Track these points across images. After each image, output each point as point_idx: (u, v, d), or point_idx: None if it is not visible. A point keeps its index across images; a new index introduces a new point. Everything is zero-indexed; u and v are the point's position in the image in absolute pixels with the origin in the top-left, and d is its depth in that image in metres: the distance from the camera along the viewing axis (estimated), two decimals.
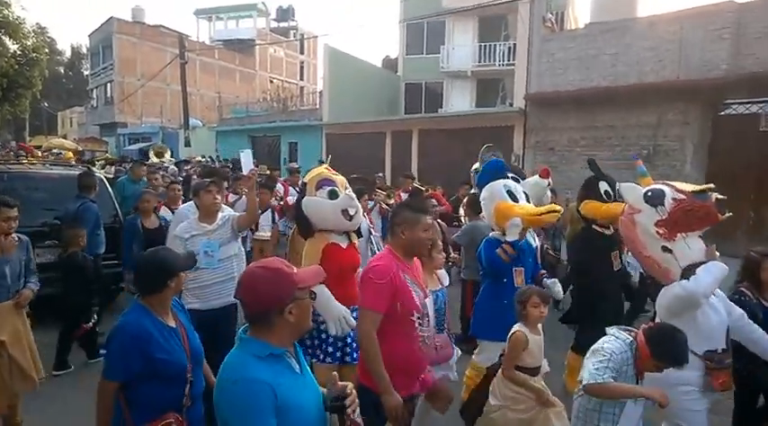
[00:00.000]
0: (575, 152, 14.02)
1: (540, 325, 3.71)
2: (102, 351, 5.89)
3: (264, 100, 31.67)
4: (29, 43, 17.90)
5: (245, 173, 4.21)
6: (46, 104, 44.39)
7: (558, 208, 4.54)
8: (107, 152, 30.84)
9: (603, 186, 5.01)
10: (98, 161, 16.15)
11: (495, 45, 21.83)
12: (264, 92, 36.45)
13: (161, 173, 9.81)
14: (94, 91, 42.23)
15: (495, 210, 4.61)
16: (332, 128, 21.71)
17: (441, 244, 4.18)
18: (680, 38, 12.14)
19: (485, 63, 22.24)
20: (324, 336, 3.91)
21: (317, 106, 24.56)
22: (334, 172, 4.28)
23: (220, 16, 47.07)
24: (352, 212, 3.99)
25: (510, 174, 5.26)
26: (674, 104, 12.36)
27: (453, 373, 4.15)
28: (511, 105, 17.97)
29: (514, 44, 18.67)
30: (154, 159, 16.27)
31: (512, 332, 3.62)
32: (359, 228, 4.28)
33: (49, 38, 57.33)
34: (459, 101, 22.92)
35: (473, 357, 4.57)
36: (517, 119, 15.74)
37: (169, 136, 29.90)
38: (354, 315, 3.77)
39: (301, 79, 50.45)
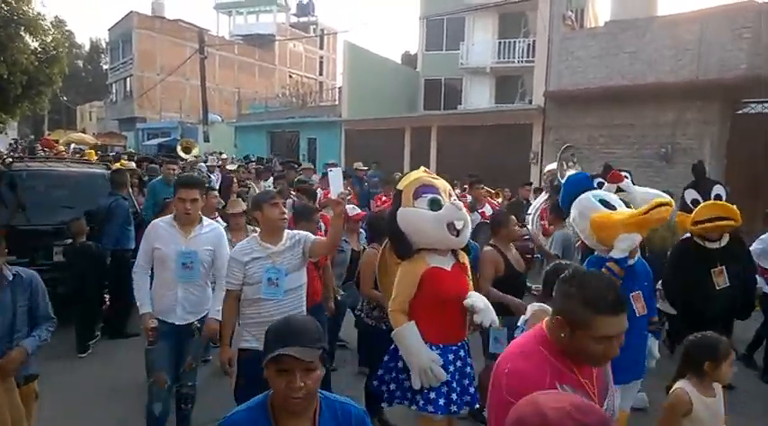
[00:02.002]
0: (593, 150, 14.14)
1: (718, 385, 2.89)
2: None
3: (284, 95, 31.92)
4: (49, 39, 18.02)
5: (333, 196, 3.42)
6: (65, 98, 44.94)
7: (666, 199, 3.65)
8: (125, 147, 31.28)
9: (690, 194, 4.44)
10: (122, 157, 16.07)
11: (514, 42, 21.92)
12: (284, 87, 36.69)
13: (195, 173, 9.20)
14: (114, 85, 42.63)
15: (591, 225, 3.67)
16: (351, 124, 21.95)
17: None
18: (699, 37, 12.23)
19: (504, 60, 22.33)
20: None
21: (337, 102, 24.76)
22: (433, 175, 3.62)
23: (240, 11, 47.27)
24: (459, 225, 3.29)
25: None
26: (692, 103, 12.47)
27: None
28: (530, 102, 18.08)
29: (534, 41, 18.74)
30: (182, 154, 15.33)
31: (673, 389, 2.87)
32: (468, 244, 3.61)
33: (67, 31, 57.70)
34: (479, 97, 23.03)
35: None
36: (536, 116, 15.88)
37: (188, 131, 30.18)
38: (451, 357, 3.31)
39: (320, 74, 50.57)
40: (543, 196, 7.01)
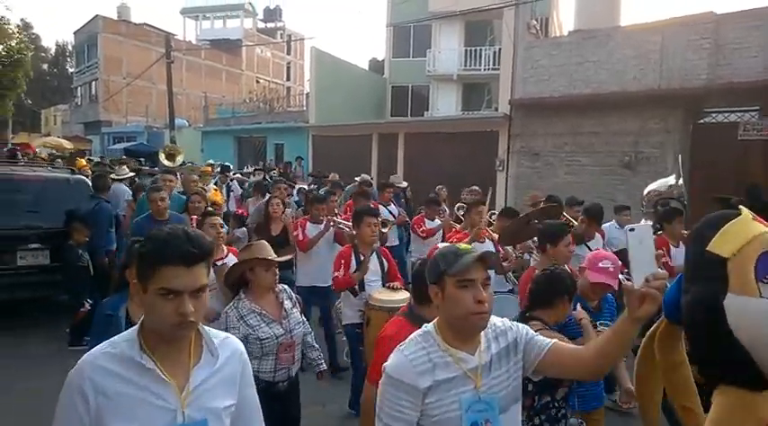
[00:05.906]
0: (558, 157, 14.21)
1: None
2: (86, 338, 6.11)
3: (251, 100, 31.65)
4: (13, 43, 17.67)
5: (636, 281, 1.60)
6: (29, 102, 44.04)
7: None
8: (91, 151, 30.70)
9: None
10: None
11: (480, 49, 22.05)
12: (251, 92, 36.45)
13: (210, 186, 8.19)
14: (79, 89, 42.01)
15: None
16: (318, 130, 21.74)
17: None
18: (661, 47, 12.36)
19: (471, 67, 22.46)
20: None
21: (304, 107, 24.57)
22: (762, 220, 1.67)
23: (207, 15, 46.94)
24: None
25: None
26: (655, 112, 12.57)
27: None
28: (496, 110, 18.12)
29: (500, 49, 18.80)
30: (165, 162, 13.07)
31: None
32: None
33: (33, 34, 57.32)
34: (446, 104, 23.09)
35: None
36: (502, 124, 15.84)
37: (154, 135, 29.80)
38: None
39: (288, 80, 50.45)
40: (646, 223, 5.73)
